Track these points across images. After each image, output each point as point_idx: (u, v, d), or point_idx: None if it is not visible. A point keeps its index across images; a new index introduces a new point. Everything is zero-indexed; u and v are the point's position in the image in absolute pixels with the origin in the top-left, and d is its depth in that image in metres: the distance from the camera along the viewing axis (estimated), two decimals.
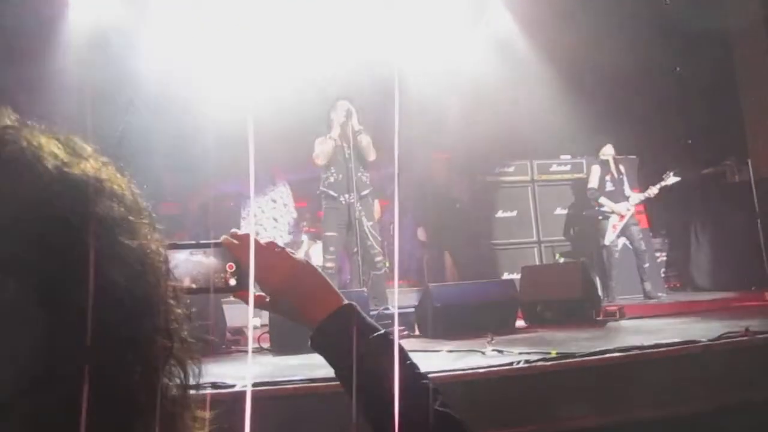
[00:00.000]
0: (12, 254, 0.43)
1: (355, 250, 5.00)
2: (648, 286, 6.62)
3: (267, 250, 0.85)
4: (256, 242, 0.85)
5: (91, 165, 0.52)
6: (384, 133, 5.65)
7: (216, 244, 0.84)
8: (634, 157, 7.55)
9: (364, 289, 4.74)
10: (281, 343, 3.91)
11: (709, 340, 2.97)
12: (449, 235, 7.41)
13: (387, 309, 4.63)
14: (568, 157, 7.75)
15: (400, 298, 5.27)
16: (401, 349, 0.79)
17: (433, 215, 7.42)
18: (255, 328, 5.68)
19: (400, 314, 4.77)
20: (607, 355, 2.89)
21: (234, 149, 8.27)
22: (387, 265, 7.66)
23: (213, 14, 7.63)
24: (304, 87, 7.86)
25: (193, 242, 0.85)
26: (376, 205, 5.74)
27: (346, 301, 0.84)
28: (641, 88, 8.03)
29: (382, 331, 0.81)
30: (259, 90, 7.97)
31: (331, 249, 5.17)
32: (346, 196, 5.08)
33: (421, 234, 7.48)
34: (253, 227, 6.39)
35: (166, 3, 7.34)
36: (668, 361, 2.89)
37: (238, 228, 5.28)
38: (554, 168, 7.65)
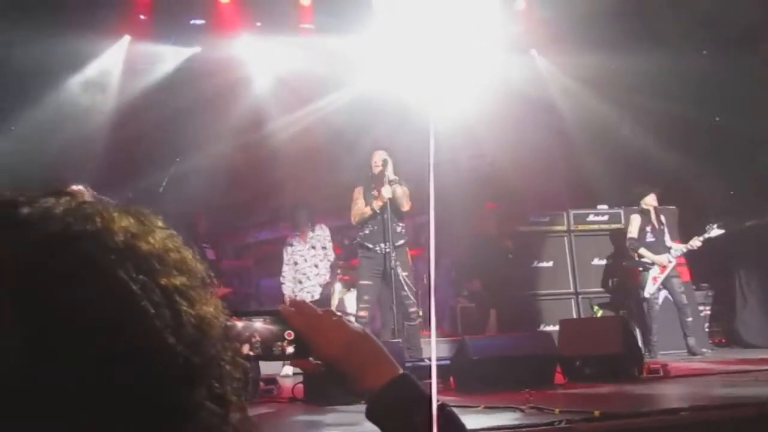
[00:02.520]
0: (80, 327, 0.45)
1: (391, 305, 4.99)
2: (692, 341, 6.38)
3: (324, 319, 0.86)
4: (313, 310, 0.86)
5: (159, 237, 0.55)
6: (415, 183, 5.70)
7: (274, 312, 0.86)
8: (673, 207, 7.41)
9: (399, 339, 4.68)
10: (316, 394, 3.87)
11: (762, 403, 2.83)
12: (497, 288, 7.33)
13: (422, 361, 4.56)
14: (605, 207, 7.65)
15: (436, 350, 5.19)
16: (456, 419, 0.79)
17: (483, 268, 7.37)
18: (287, 377, 5.66)
19: (436, 366, 4.69)
20: (653, 417, 2.78)
21: (275, 196, 8.52)
22: (420, 315, 7.62)
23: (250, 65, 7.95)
24: (341, 135, 8.06)
25: (252, 310, 0.87)
26: (408, 253, 5.75)
27: (401, 371, 0.84)
28: (682, 138, 7.96)
29: (439, 402, 0.81)
30: (298, 138, 8.22)
31: (366, 298, 5.17)
32: (382, 245, 5.11)
33: (476, 284, 7.43)
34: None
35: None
36: (718, 425, 2.76)
37: (274, 274, 5.34)
38: (591, 218, 7.55)
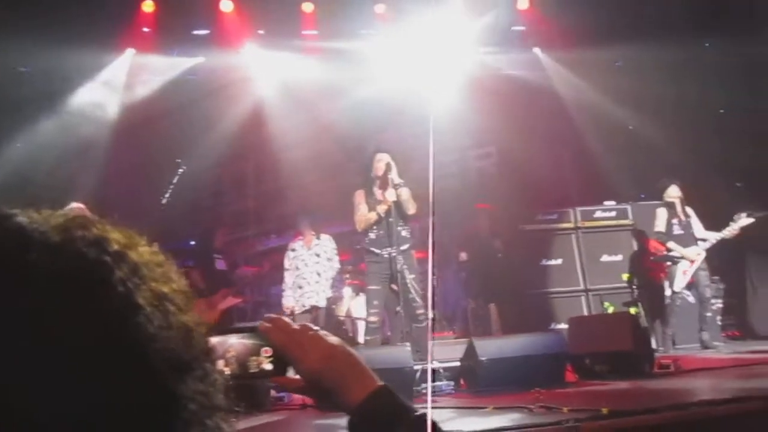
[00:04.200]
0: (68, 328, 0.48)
1: (398, 309, 5.00)
2: (706, 335, 6.34)
3: (301, 333, 0.86)
4: (290, 326, 0.87)
5: (144, 250, 0.59)
6: (421, 185, 5.72)
7: (251, 329, 0.86)
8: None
9: (407, 343, 4.70)
10: None
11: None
12: (493, 285, 7.34)
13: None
14: (613, 203, 7.62)
15: (445, 351, 5.20)
16: (438, 429, 0.80)
17: (476, 267, 7.38)
18: None
19: (446, 368, 4.71)
20: (662, 414, 2.78)
21: (282, 204, 8.57)
22: (432, 316, 7.61)
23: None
24: (346, 140, 8.10)
25: (231, 327, 0.88)
26: (414, 256, 5.76)
27: (380, 383, 0.85)
28: (687, 132, 7.93)
29: (418, 413, 0.82)
30: (304, 146, 8.27)
31: (375, 303, 5.18)
32: (388, 249, 5.12)
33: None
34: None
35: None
36: (727, 420, 2.76)
37: (282, 282, 5.36)
38: (598, 214, 7.52)
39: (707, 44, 8.02)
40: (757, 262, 7.28)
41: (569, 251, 7.35)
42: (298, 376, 0.87)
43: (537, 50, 8.37)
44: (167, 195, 5.55)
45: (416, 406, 0.84)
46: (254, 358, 0.84)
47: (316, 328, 0.89)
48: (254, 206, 8.88)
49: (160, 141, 7.30)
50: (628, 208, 7.49)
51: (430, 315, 5.06)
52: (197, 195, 8.11)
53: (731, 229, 6.43)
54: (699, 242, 6.51)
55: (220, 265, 7.08)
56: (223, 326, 0.89)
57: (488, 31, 7.76)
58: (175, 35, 7.69)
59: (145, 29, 7.41)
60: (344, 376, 0.84)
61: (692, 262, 6.46)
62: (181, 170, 5.65)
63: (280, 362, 0.85)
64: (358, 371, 0.85)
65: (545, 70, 8.32)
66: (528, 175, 8.10)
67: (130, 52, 7.51)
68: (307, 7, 7.62)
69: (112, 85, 7.47)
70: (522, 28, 8.22)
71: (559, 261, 7.32)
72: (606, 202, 7.64)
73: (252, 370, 0.84)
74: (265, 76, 8.03)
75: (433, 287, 5.81)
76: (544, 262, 7.32)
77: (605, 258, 7.38)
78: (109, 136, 7.31)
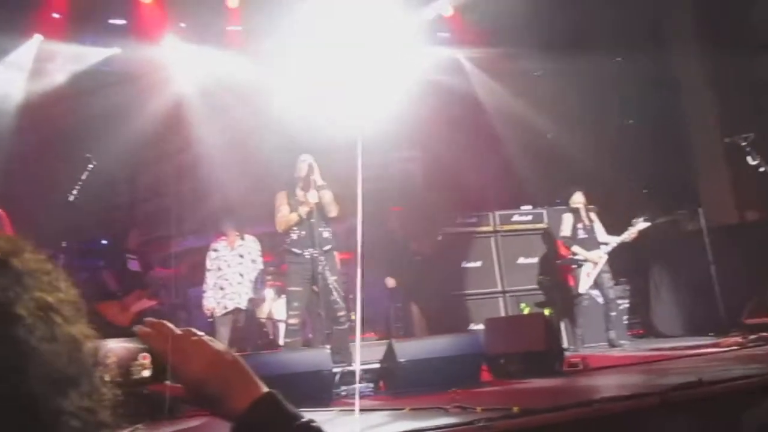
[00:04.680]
0: None
1: (319, 311, 4.98)
2: (612, 334, 6.69)
3: (183, 339, 0.83)
4: (171, 331, 0.83)
5: (30, 258, 0.56)
6: (346, 188, 5.72)
7: (131, 333, 0.82)
8: (592, 206, 7.74)
9: (327, 346, 4.68)
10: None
11: (665, 392, 3.01)
12: (414, 287, 7.43)
13: (350, 366, 4.59)
14: (529, 207, 7.91)
15: (366, 353, 5.21)
16: None
17: (395, 269, 7.45)
18: None
19: (366, 370, 4.72)
20: (569, 411, 2.90)
21: (203, 204, 8.33)
22: (352, 318, 7.62)
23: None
24: (270, 142, 7.97)
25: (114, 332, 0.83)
26: (336, 258, 5.75)
27: (266, 390, 0.83)
28: (598, 141, 8.36)
29: (305, 420, 0.81)
30: (227, 145, 8.07)
31: (295, 305, 5.13)
32: (310, 250, 5.08)
33: (389, 282, 7.47)
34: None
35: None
36: (628, 416, 2.91)
37: (203, 282, 5.20)
38: (516, 218, 7.79)
39: (618, 59, 8.48)
40: (660, 265, 7.75)
41: (488, 254, 7.57)
42: (179, 384, 0.83)
43: (461, 57, 8.57)
44: (75, 191, 5.25)
45: (301, 410, 0.83)
46: (136, 363, 0.80)
47: (200, 333, 0.86)
48: (173, 205, 8.59)
49: (68, 134, 6.91)
50: (544, 212, 7.80)
51: (359, 316, 5.06)
52: (110, 192, 7.75)
53: (630, 233, 6.85)
54: (602, 246, 6.88)
55: (134, 265, 6.80)
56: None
57: (415, 34, 7.87)
58: (89, 23, 7.30)
59: (56, 15, 7.00)
60: (229, 382, 0.82)
61: (595, 264, 6.81)
62: (91, 166, 5.36)
63: (160, 369, 0.81)
64: (244, 378, 0.83)
65: (469, 76, 8.53)
66: (450, 179, 8.29)
67: (37, 38, 7.06)
68: (232, 2, 7.45)
69: (17, 72, 6.99)
70: (447, 34, 8.39)
71: (479, 263, 7.52)
72: (523, 207, 7.93)
73: (134, 377, 0.80)
74: (187, 71, 7.78)
75: (357, 289, 5.83)
76: (465, 264, 7.50)
77: (522, 260, 7.65)
78: (12, 126, 6.84)
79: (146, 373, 0.80)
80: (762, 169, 5.77)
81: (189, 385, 0.82)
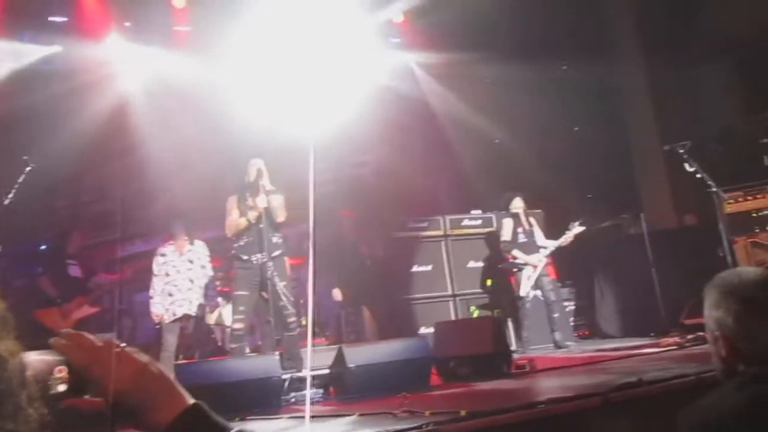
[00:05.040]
0: None
1: (268, 318, 4.90)
2: (558, 335, 6.84)
3: (104, 351, 0.80)
4: (91, 342, 0.80)
5: None
6: (296, 192, 5.67)
7: (47, 345, 0.78)
8: (539, 211, 7.92)
9: (276, 352, 4.62)
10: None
11: (607, 392, 3.09)
12: (364, 291, 7.43)
13: (300, 372, 4.54)
14: (479, 211, 8.03)
15: (316, 358, 5.16)
16: None
17: (346, 273, 7.43)
18: None
19: (317, 376, 4.68)
20: (514, 413, 2.95)
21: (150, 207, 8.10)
22: (303, 324, 7.55)
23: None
24: (219, 145, 7.83)
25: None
26: (287, 263, 5.68)
27: (192, 401, 0.81)
28: (545, 148, 8.56)
29: (235, 430, 0.80)
30: (175, 147, 7.88)
31: (241, 309, 5.03)
32: (258, 256, 5.01)
33: (336, 294, 7.45)
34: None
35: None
36: (570, 416, 2.98)
37: (150, 287, 5.05)
38: (466, 222, 7.89)
39: (564, 66, 8.72)
40: (604, 268, 7.99)
41: (439, 258, 7.64)
42: (99, 398, 0.79)
43: (412, 62, 8.64)
44: (11, 194, 5.02)
45: (239, 420, 0.81)
46: (48, 380, 0.75)
47: (123, 344, 0.83)
48: (118, 209, 8.32)
49: (5, 135, 6.61)
50: (493, 216, 7.93)
51: (310, 322, 5.01)
52: (50, 195, 7.45)
53: (566, 237, 7.05)
54: (541, 249, 7.05)
55: (75, 271, 6.54)
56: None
57: (367, 39, 7.88)
58: (28, 20, 7.01)
59: None
60: (153, 395, 0.80)
61: (535, 267, 6.98)
62: (28, 168, 5.14)
63: (78, 383, 0.77)
64: (169, 390, 0.81)
65: (419, 82, 8.61)
66: (401, 183, 8.33)
67: None
68: (178, 2, 7.29)
69: None
70: (398, 40, 8.45)
71: (429, 267, 7.58)
72: (473, 211, 8.04)
73: (53, 391, 0.75)
74: (132, 71, 7.56)
75: (309, 294, 5.76)
76: (415, 268, 7.55)
77: (472, 264, 7.76)
78: None
79: (62, 388, 0.76)
80: (699, 176, 6.02)
81: (112, 398, 0.78)
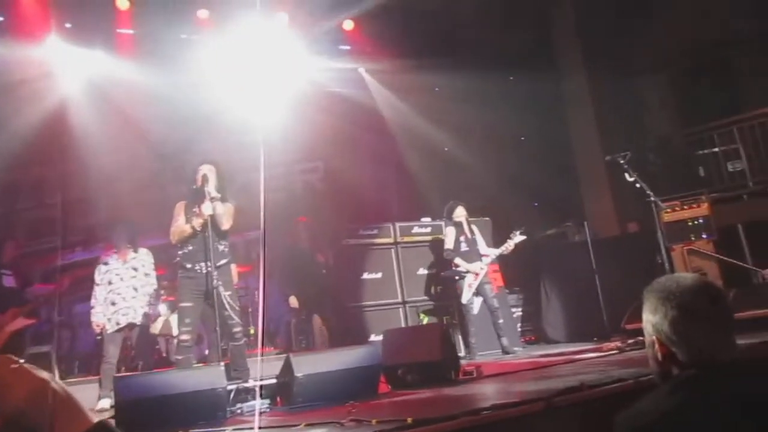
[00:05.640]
0: None
1: (215, 328, 4.78)
2: (505, 341, 6.94)
3: (1, 367, 0.76)
4: None
5: None
6: (247, 198, 5.58)
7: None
8: (487, 219, 8.04)
9: (221, 363, 4.51)
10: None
11: (550, 397, 3.14)
12: (316, 298, 7.37)
13: (246, 382, 4.45)
14: (428, 219, 8.09)
15: (265, 368, 5.07)
16: None
17: (299, 281, 7.36)
18: (103, 410, 5.20)
19: (264, 386, 4.60)
20: (459, 420, 2.96)
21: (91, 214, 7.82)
22: (252, 333, 7.42)
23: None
24: (162, 147, 7.65)
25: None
26: (234, 271, 5.57)
27: (96, 420, 0.78)
28: (493, 157, 8.73)
29: None
30: (117, 152, 7.65)
31: (187, 321, 4.89)
32: (203, 264, 4.89)
33: (293, 302, 7.37)
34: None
35: None
36: (515, 421, 3.02)
37: (92, 297, 4.84)
38: (416, 230, 7.94)
39: (511, 78, 8.92)
40: (550, 275, 8.17)
41: (389, 265, 7.65)
42: None
43: (362, 70, 8.67)
44: None
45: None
46: None
47: (21, 360, 0.78)
48: (56, 216, 7.99)
49: None
50: (443, 224, 8.00)
51: (260, 330, 4.91)
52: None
53: (507, 246, 7.19)
54: (483, 258, 7.16)
55: (8, 281, 6.25)
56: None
57: (315, 47, 7.87)
58: None
59: None
60: (54, 414, 0.76)
61: (476, 275, 7.08)
62: None
63: None
64: (71, 408, 0.77)
65: (369, 89, 8.64)
66: (352, 191, 8.32)
67: None
68: (122, 4, 7.10)
69: None
70: (347, 47, 8.47)
71: (379, 274, 7.58)
72: (423, 219, 8.10)
73: None
74: (72, 73, 7.31)
75: (264, 302, 5.67)
76: (366, 275, 7.53)
77: (422, 271, 7.81)
78: None
79: None
80: (638, 186, 6.24)
81: (6, 417, 0.74)
